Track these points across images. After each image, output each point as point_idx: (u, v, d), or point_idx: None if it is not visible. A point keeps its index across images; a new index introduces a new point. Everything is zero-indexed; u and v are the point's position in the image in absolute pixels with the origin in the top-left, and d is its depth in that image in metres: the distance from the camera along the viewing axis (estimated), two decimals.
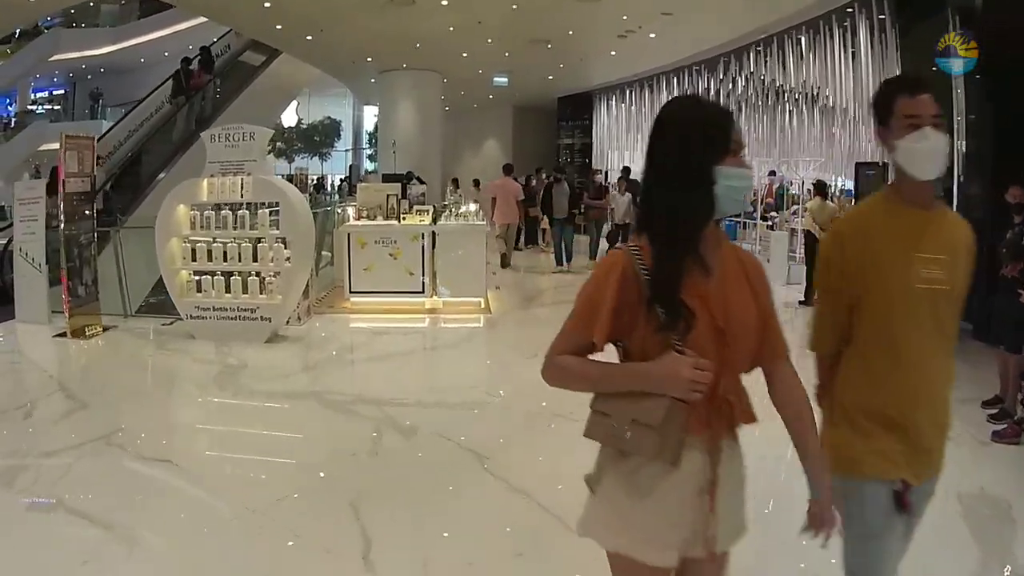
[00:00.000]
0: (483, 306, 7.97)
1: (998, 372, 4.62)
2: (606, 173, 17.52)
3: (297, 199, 6.71)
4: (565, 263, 11.08)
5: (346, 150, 32.30)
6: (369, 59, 15.17)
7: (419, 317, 7.69)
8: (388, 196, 8.44)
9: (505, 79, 16.94)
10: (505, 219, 11.19)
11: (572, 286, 10.52)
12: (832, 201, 9.15)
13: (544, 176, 13.96)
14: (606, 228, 12.31)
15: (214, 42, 16.46)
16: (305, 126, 30.72)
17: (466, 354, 6.45)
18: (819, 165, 13.75)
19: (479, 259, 8.03)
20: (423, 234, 7.94)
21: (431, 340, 7.03)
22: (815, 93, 12.10)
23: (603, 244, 11.97)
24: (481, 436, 4.10)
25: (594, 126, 19.96)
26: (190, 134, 13.85)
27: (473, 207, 8.85)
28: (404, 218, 8.19)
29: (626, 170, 13.06)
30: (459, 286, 7.95)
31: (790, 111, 14.57)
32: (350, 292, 7.93)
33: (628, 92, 17.56)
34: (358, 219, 8.36)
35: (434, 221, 8.30)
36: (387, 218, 8.31)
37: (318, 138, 30.81)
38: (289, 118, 30.19)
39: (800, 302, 8.89)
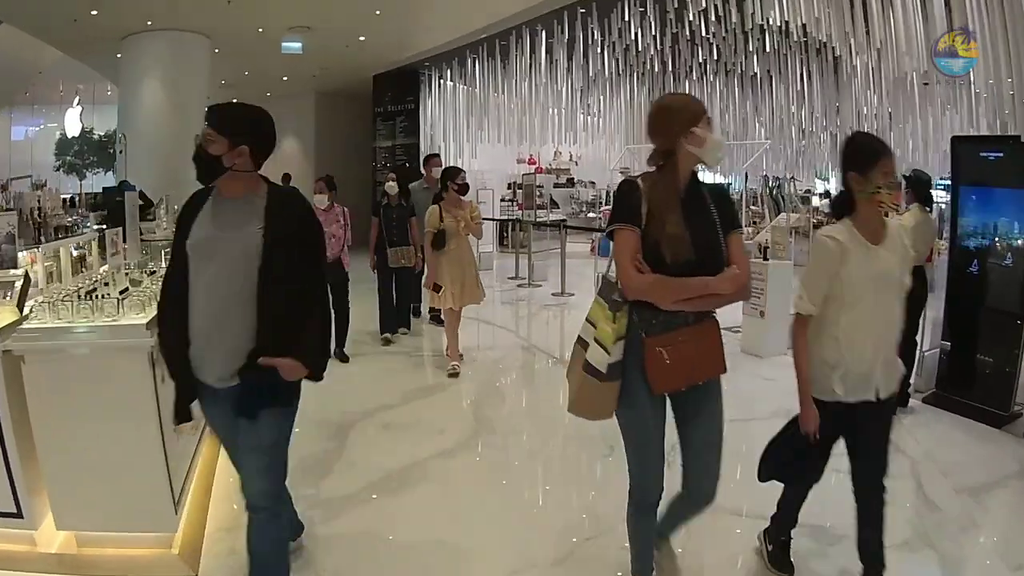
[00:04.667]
0: (174, 546, 2.93)
1: None
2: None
3: None
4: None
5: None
6: (94, 12, 9.64)
7: None
8: None
9: (298, 44, 11.71)
10: None
11: (445, 404, 5.02)
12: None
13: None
14: None
15: None
16: (99, 136, 25.58)
17: None
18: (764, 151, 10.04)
19: (147, 429, 2.83)
20: None
21: None
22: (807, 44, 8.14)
23: None
24: None
25: (422, 112, 14.35)
26: None
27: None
28: None
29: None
30: (109, 503, 2.83)
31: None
32: None
33: (471, 60, 12.90)
34: None
35: (20, 317, 3.03)
36: None
37: (112, 150, 26.39)
38: (73, 127, 24.84)
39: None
